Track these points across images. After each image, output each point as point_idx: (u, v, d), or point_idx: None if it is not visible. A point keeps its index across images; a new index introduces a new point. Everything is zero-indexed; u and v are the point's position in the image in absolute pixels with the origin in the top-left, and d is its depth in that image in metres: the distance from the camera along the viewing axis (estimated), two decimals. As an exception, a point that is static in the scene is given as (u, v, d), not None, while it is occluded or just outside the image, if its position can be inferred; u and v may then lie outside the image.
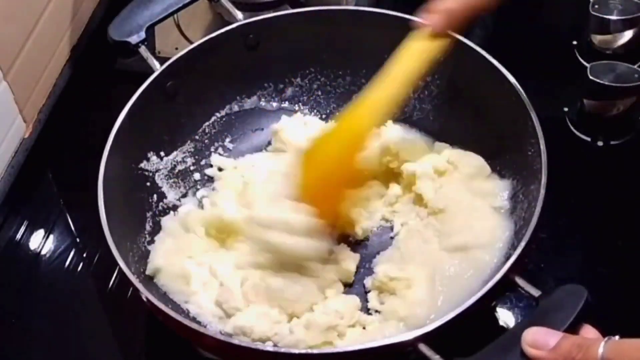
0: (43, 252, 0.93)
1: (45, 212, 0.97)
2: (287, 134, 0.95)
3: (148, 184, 0.90)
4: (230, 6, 0.97)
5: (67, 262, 0.92)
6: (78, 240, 0.95)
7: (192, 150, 0.95)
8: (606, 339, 0.58)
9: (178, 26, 1.12)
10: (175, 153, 0.94)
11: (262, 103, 0.99)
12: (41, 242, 0.94)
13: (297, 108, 0.99)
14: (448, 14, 0.79)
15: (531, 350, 0.61)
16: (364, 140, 0.83)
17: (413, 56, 0.80)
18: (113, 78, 1.10)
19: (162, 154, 0.92)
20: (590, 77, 0.96)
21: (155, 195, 0.90)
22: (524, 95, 0.83)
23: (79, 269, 0.92)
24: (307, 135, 0.93)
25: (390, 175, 0.92)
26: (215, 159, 0.96)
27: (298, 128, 0.96)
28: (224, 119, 0.97)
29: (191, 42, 1.00)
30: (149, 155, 0.91)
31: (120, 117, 0.85)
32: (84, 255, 0.92)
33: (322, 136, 0.86)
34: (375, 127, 0.85)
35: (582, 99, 1.00)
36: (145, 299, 0.73)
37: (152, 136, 0.91)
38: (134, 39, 0.92)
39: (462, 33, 0.84)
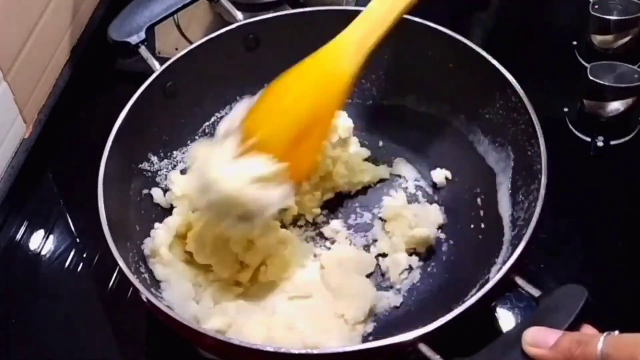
0: (43, 252, 0.93)
1: (45, 212, 0.97)
2: None
3: (148, 184, 0.90)
4: (230, 6, 0.97)
5: (67, 263, 0.92)
6: (78, 240, 0.95)
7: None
8: (605, 334, 0.58)
9: (178, 26, 1.12)
10: (175, 153, 0.94)
11: (262, 103, 0.99)
12: (41, 242, 0.94)
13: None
14: None
15: (531, 349, 0.61)
16: (348, 85, 0.75)
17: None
18: (113, 78, 1.10)
19: (162, 154, 0.92)
20: (590, 78, 0.96)
21: (155, 196, 0.90)
22: (524, 95, 0.83)
23: (79, 269, 0.92)
24: None
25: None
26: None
27: None
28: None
29: (191, 42, 1.00)
30: (149, 155, 0.91)
31: (120, 117, 0.85)
32: (84, 255, 0.92)
33: (289, 75, 0.79)
34: (358, 71, 0.76)
35: (582, 99, 1.00)
36: (145, 299, 0.73)
37: (152, 136, 0.91)
38: (133, 39, 0.92)
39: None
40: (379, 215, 0.91)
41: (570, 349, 0.59)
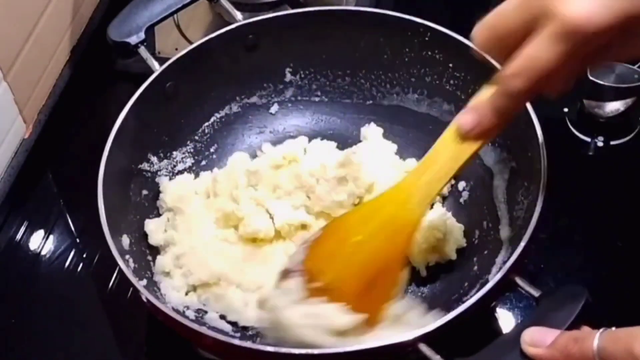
0: (43, 252, 0.93)
1: (45, 212, 0.97)
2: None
3: (148, 184, 0.90)
4: (230, 6, 0.97)
5: (67, 263, 0.92)
6: (78, 240, 0.95)
7: (192, 150, 0.95)
8: (602, 330, 0.58)
9: (178, 26, 1.12)
10: (175, 153, 0.94)
11: (262, 103, 0.99)
12: (41, 242, 0.94)
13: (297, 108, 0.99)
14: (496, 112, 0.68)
15: (530, 349, 0.61)
16: (413, 233, 0.73)
17: (458, 147, 0.71)
18: (113, 78, 1.10)
19: (162, 154, 0.92)
20: (590, 78, 0.96)
21: (155, 196, 0.90)
22: (524, 95, 0.83)
23: (79, 269, 0.92)
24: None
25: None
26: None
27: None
28: (223, 119, 0.97)
29: (191, 42, 1.00)
30: (148, 155, 0.91)
31: (120, 117, 0.85)
32: (84, 255, 0.93)
33: (351, 216, 0.79)
34: (423, 216, 0.74)
35: (582, 99, 1.00)
36: (145, 299, 0.73)
37: (152, 136, 0.91)
38: (133, 40, 0.92)
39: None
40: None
41: (567, 346, 0.59)
